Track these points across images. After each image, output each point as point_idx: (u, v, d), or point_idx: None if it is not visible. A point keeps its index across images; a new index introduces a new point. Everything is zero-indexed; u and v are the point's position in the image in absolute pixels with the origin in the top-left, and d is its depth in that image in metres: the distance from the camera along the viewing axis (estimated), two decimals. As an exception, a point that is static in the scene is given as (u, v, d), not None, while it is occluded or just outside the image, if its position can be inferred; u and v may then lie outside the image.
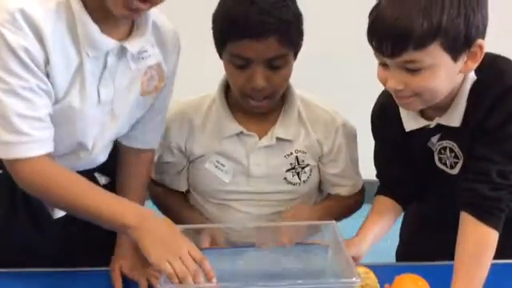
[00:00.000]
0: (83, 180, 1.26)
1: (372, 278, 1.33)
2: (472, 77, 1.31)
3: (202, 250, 1.23)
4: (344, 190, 1.67)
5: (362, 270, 1.32)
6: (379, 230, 1.44)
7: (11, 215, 1.36)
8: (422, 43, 1.18)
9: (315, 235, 1.38)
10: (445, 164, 1.40)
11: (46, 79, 1.20)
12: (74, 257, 1.45)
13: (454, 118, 1.34)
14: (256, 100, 1.50)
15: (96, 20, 1.23)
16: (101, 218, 1.23)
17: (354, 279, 1.15)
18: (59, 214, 1.41)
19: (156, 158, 1.62)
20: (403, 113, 1.41)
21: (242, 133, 1.57)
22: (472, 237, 1.27)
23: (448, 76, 1.25)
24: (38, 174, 1.22)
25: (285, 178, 1.60)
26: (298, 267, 1.26)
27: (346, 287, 1.18)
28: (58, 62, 1.21)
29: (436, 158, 1.41)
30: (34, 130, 1.20)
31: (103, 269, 1.42)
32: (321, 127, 1.61)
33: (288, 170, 1.59)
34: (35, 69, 1.18)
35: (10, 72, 1.16)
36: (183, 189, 1.69)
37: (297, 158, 1.59)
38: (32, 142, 1.20)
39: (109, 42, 1.26)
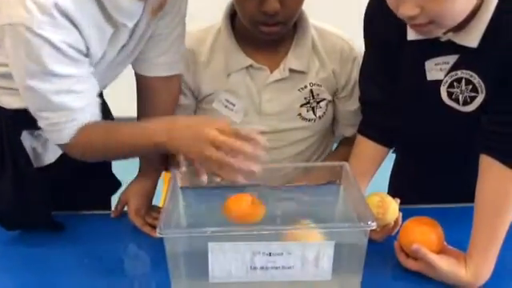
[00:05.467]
0: (114, 124, 1.28)
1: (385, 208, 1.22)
2: None
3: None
4: None
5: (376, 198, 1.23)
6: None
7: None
8: None
9: (326, 176, 1.26)
10: (456, 100, 1.23)
11: (88, 64, 1.18)
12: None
13: (472, 37, 1.16)
14: (268, 26, 1.36)
15: None
16: (137, 148, 1.22)
17: (369, 223, 1.04)
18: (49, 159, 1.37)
19: None
20: None
21: (251, 66, 1.45)
22: (495, 183, 1.16)
23: None
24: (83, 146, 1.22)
25: (299, 114, 1.48)
26: (307, 208, 1.15)
27: (362, 231, 1.07)
28: (95, 38, 1.17)
29: (444, 93, 1.23)
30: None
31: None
32: (337, 57, 1.48)
33: (302, 105, 1.48)
34: (82, 59, 1.16)
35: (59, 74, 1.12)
36: None
37: (311, 91, 1.47)
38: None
39: (139, 8, 1.20)
